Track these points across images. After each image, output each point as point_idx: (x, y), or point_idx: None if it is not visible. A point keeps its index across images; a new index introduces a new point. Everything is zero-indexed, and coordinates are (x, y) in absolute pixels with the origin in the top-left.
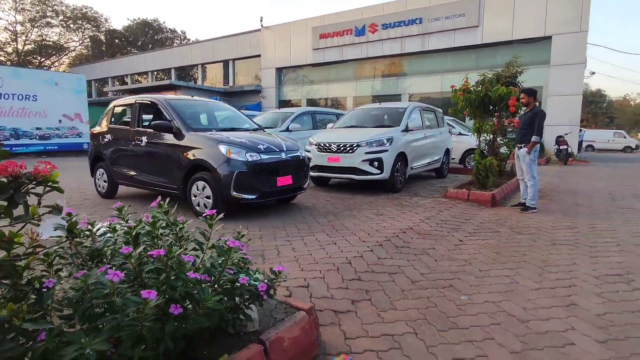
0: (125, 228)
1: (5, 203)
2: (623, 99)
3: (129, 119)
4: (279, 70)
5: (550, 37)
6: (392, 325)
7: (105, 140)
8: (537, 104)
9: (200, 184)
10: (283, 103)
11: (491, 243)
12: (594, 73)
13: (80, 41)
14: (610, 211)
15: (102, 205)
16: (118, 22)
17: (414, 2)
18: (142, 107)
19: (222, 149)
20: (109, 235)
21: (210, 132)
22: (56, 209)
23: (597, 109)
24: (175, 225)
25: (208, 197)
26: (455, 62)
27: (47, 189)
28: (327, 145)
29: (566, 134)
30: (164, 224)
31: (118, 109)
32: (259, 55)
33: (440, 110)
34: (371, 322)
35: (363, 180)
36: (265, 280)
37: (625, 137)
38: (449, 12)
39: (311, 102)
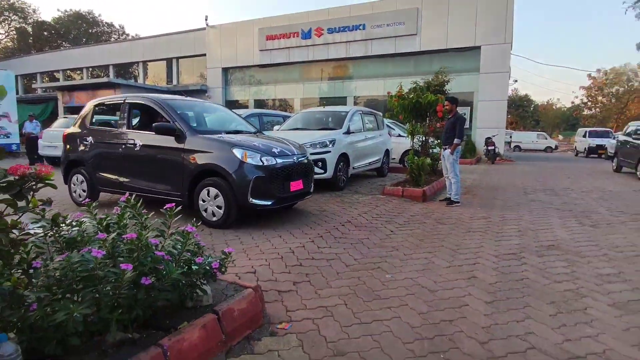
0: (94, 221)
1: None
2: (547, 103)
3: (115, 120)
4: (226, 70)
5: (479, 47)
6: (326, 300)
7: (85, 143)
8: (458, 110)
9: (211, 190)
10: (230, 103)
11: (417, 232)
12: (516, 81)
13: (6, 33)
14: (520, 203)
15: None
16: (48, 13)
17: (357, 9)
18: (133, 107)
19: (238, 153)
20: (84, 225)
21: (219, 135)
22: (47, 202)
23: (524, 113)
24: (141, 216)
25: (219, 205)
26: (397, 67)
27: (42, 185)
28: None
29: (494, 136)
30: (130, 215)
31: (100, 109)
32: (204, 54)
33: (380, 113)
34: (309, 298)
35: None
36: (218, 260)
37: (546, 139)
38: (390, 20)
39: (259, 103)
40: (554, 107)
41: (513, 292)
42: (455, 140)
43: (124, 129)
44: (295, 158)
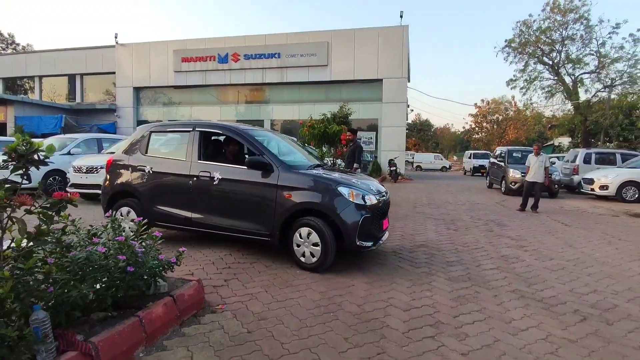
0: (81, 232)
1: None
2: (444, 127)
3: (179, 150)
4: (137, 89)
5: (381, 80)
6: (251, 289)
7: (140, 173)
8: (357, 139)
9: (305, 230)
10: (142, 124)
11: None
12: (412, 110)
13: None
14: (408, 215)
15: None
16: None
17: (272, 38)
18: (205, 136)
19: (344, 191)
20: (71, 235)
21: (314, 171)
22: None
23: (425, 136)
24: (120, 227)
25: (315, 245)
26: (310, 94)
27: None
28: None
29: (396, 158)
30: (111, 226)
31: (159, 137)
32: (113, 72)
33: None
34: (238, 289)
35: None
36: (175, 256)
37: (442, 159)
38: (303, 51)
39: None
40: (450, 130)
41: (387, 275)
42: (355, 165)
43: (195, 160)
44: (385, 194)
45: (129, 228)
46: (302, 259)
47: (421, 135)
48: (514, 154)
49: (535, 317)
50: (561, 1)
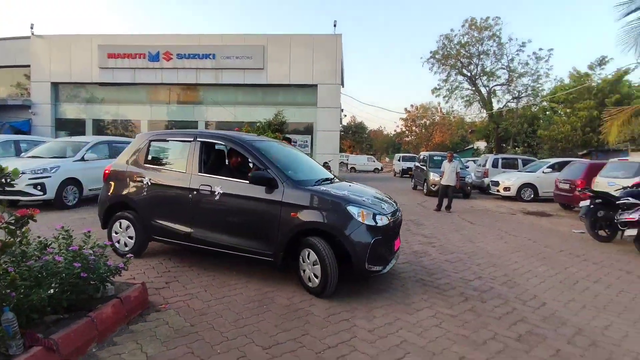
0: (33, 243)
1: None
2: (377, 130)
3: (179, 160)
4: (56, 85)
5: (316, 85)
6: (192, 290)
7: (138, 183)
8: (293, 142)
9: (310, 252)
10: (61, 122)
11: None
12: (345, 115)
13: None
14: None
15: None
16: None
17: (207, 38)
18: (207, 147)
19: (354, 211)
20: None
21: (323, 188)
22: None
23: (360, 138)
24: (70, 238)
25: (316, 264)
26: (246, 96)
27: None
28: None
29: (330, 160)
30: (62, 237)
31: (158, 145)
32: (28, 65)
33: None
34: (179, 290)
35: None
36: (122, 262)
37: (374, 161)
38: (239, 53)
39: (98, 123)
40: (383, 133)
41: None
42: None
43: (195, 172)
44: (398, 213)
45: (88, 243)
46: (309, 283)
47: (356, 137)
48: (435, 159)
49: (430, 300)
50: (478, 19)
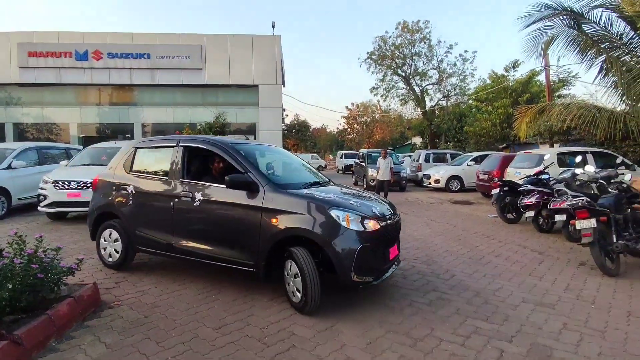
0: None
1: None
2: (320, 128)
3: (163, 167)
4: None
5: (257, 86)
6: (143, 287)
7: (123, 192)
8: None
9: (291, 263)
10: None
11: None
12: (287, 115)
13: None
14: None
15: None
16: None
17: (141, 37)
18: (188, 152)
19: (337, 215)
20: None
21: (306, 191)
22: None
23: (303, 136)
24: (24, 242)
25: (297, 276)
26: (185, 97)
27: None
28: (67, 182)
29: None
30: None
31: (144, 153)
32: None
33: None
34: (129, 288)
35: None
36: (75, 263)
37: (318, 159)
38: (176, 53)
39: (20, 127)
40: (326, 131)
41: None
42: None
43: (177, 179)
44: (392, 217)
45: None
46: (293, 298)
47: (299, 135)
48: (373, 155)
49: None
50: (410, 22)
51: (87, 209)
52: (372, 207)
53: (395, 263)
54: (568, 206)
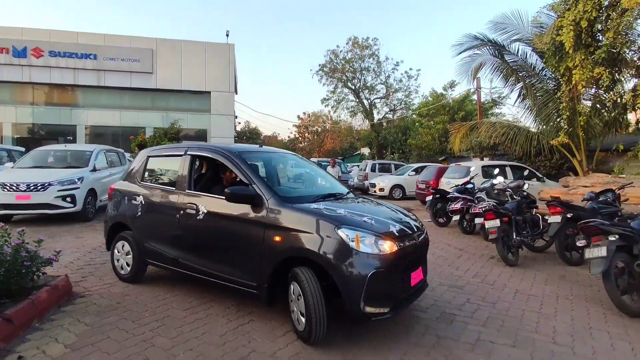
0: None
1: None
2: (272, 135)
3: (171, 177)
4: None
5: (209, 92)
6: (109, 281)
7: (135, 202)
8: None
9: (297, 286)
10: None
11: None
12: (240, 122)
13: None
14: None
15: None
16: None
17: (86, 37)
18: (196, 161)
19: (346, 235)
20: None
21: (314, 205)
22: None
23: (254, 143)
24: (8, 235)
25: (300, 299)
26: (134, 101)
27: None
28: (15, 185)
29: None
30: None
31: (155, 162)
32: None
33: (122, 150)
34: (97, 282)
35: (57, 213)
36: (54, 254)
37: None
38: (125, 55)
39: None
40: (277, 139)
41: None
42: None
43: (184, 189)
44: (417, 235)
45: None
46: (298, 325)
47: (250, 143)
48: (323, 164)
49: None
50: (360, 38)
51: (37, 211)
52: (390, 224)
53: (419, 290)
54: (479, 209)
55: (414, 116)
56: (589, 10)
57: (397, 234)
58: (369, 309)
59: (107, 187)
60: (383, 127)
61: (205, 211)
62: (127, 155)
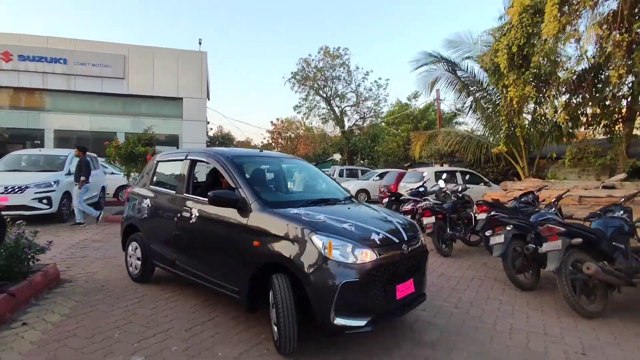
0: None
1: None
2: (245, 140)
3: (174, 181)
4: None
5: (182, 99)
6: (92, 270)
7: (143, 205)
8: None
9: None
10: None
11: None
12: (212, 128)
13: None
14: None
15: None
16: None
17: (57, 42)
18: (194, 165)
19: (318, 241)
20: None
21: (294, 210)
22: None
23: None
24: (8, 223)
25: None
26: (105, 106)
27: None
28: None
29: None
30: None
31: (163, 166)
32: None
33: (95, 155)
34: (81, 271)
35: (33, 215)
36: (46, 243)
37: None
38: (95, 60)
39: None
40: (250, 144)
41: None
42: (82, 178)
43: (182, 193)
44: (405, 246)
45: None
46: (274, 335)
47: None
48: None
49: None
50: (331, 48)
51: (15, 212)
52: (373, 231)
53: (409, 304)
54: (419, 208)
55: (382, 124)
56: (519, 37)
57: (378, 242)
58: (340, 321)
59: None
60: (354, 134)
61: (197, 215)
62: (101, 160)
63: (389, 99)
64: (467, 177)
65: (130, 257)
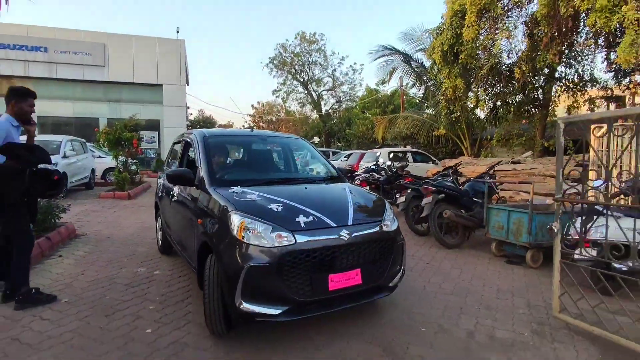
0: None
1: None
2: (227, 123)
3: (176, 162)
4: None
5: (162, 85)
6: (97, 228)
7: (159, 185)
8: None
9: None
10: None
11: (97, 210)
12: (192, 114)
13: None
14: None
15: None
16: None
17: (37, 30)
18: (188, 146)
19: (234, 221)
20: None
21: (234, 189)
22: None
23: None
24: None
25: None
26: (86, 93)
27: None
28: None
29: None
30: None
31: (174, 148)
32: None
33: (84, 140)
34: (89, 230)
35: None
36: (66, 205)
37: None
38: (76, 48)
39: None
40: (233, 127)
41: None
42: None
43: None
44: (344, 232)
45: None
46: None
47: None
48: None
49: None
50: (307, 34)
51: None
52: (302, 212)
53: (349, 297)
54: (360, 180)
55: (357, 108)
56: (449, 37)
57: (303, 225)
58: (247, 307)
59: (75, 170)
60: (331, 118)
61: (176, 193)
62: (90, 145)
63: (363, 83)
64: (418, 156)
65: (158, 230)
